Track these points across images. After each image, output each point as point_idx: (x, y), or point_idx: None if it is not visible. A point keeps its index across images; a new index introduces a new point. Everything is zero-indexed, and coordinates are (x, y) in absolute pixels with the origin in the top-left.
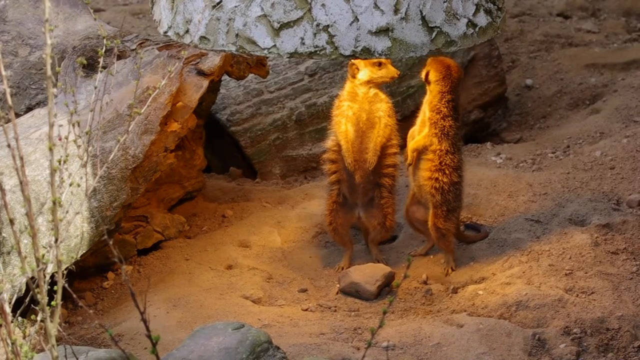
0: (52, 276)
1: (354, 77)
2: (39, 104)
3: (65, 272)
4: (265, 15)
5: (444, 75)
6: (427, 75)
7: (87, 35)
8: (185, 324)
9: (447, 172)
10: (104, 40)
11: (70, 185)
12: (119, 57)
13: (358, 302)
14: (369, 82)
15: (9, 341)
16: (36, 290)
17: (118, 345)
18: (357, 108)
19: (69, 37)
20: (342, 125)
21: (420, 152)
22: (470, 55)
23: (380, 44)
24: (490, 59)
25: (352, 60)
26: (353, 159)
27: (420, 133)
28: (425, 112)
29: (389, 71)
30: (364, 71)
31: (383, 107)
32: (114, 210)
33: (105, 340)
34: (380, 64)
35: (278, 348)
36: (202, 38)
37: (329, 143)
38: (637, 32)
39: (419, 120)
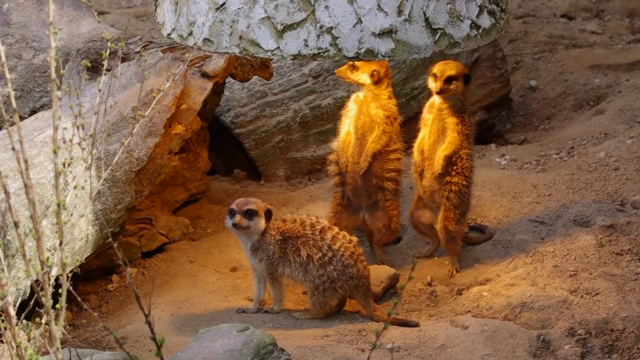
0: (57, 279)
1: None
2: (43, 107)
3: (69, 275)
4: (268, 17)
5: (464, 76)
6: (448, 79)
7: (91, 38)
8: (189, 327)
9: (466, 174)
10: (108, 42)
11: (75, 188)
12: (123, 60)
13: None
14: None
15: (13, 344)
16: (41, 293)
17: (123, 347)
18: (356, 110)
19: (73, 39)
20: (345, 125)
21: (451, 158)
22: (474, 56)
23: (384, 45)
24: (494, 61)
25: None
26: (347, 159)
27: (430, 141)
28: (443, 119)
29: (356, 76)
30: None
31: (380, 114)
32: (118, 213)
33: (110, 343)
34: (353, 67)
35: (283, 350)
36: (206, 40)
37: (334, 144)
38: None
39: (426, 130)
